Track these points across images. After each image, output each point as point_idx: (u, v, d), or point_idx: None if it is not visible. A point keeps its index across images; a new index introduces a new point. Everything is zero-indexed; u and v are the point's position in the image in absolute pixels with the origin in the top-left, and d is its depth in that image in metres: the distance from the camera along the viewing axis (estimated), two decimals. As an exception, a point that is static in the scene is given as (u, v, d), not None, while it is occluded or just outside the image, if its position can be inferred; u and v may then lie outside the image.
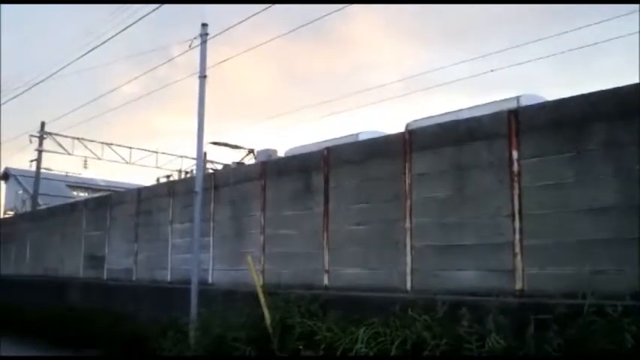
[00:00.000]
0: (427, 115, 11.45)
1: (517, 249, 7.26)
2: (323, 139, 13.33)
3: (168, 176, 26.17)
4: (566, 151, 7.03)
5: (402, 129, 9.96)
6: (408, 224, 8.49)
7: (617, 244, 6.50)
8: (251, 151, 24.88)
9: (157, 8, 12.25)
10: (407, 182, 8.58)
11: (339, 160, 9.75)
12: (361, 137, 11.82)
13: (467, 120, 8.07)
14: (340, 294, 8.92)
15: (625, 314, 5.67)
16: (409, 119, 12.37)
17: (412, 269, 8.36)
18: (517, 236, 7.28)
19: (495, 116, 7.90)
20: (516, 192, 7.36)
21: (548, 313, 6.16)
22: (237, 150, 25.74)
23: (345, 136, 12.80)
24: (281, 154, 16.77)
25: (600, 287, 6.31)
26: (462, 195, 7.94)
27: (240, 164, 22.38)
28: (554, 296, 6.44)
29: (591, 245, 6.67)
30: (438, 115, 10.91)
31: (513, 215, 7.35)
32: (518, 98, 10.13)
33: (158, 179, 25.56)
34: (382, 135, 10.14)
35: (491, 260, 7.51)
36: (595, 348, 5.57)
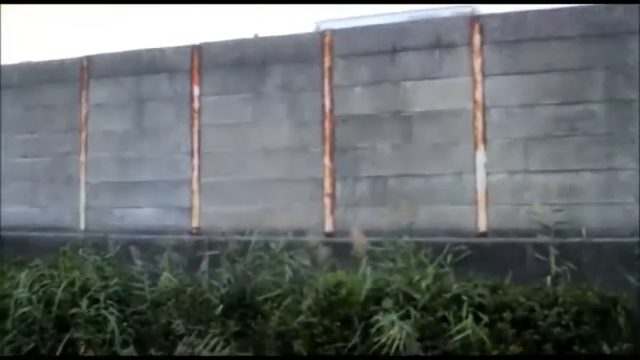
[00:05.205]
0: None
1: (195, 186, 7.27)
2: None
3: None
4: (246, 91, 7.16)
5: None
6: (82, 158, 7.90)
7: (287, 184, 6.92)
8: None
9: None
10: (83, 112, 7.93)
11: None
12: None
13: (150, 50, 7.69)
14: (2, 234, 7.96)
15: (286, 249, 6.09)
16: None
17: (86, 207, 7.88)
18: (195, 174, 7.28)
19: (179, 50, 7.66)
20: (196, 129, 7.32)
21: (221, 249, 6.30)
22: None
23: None
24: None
25: (270, 224, 6.64)
26: (142, 129, 7.63)
27: None
28: (227, 233, 6.60)
29: (264, 184, 6.99)
30: None
31: (192, 152, 7.31)
32: None
33: None
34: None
35: (169, 198, 7.42)
36: (259, 280, 5.88)
